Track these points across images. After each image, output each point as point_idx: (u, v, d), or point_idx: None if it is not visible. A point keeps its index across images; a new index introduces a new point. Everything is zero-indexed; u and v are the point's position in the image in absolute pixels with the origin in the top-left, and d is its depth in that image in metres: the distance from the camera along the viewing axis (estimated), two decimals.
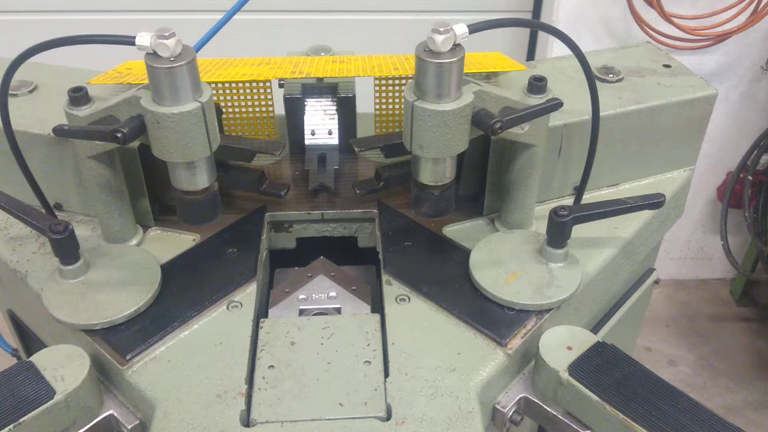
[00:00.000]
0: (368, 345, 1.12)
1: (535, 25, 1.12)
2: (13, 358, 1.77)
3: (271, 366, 1.09)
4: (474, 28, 1.02)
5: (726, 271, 3.72)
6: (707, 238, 3.60)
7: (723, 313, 3.61)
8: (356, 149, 1.36)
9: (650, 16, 2.68)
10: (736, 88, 3.02)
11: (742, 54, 2.94)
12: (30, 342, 1.62)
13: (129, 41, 1.01)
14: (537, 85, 1.16)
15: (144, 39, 1.00)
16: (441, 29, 1.00)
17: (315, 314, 1.27)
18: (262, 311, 1.28)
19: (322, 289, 1.33)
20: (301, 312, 1.29)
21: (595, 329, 1.46)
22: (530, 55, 2.91)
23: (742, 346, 3.44)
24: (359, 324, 1.16)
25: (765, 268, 3.28)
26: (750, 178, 3.09)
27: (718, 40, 2.80)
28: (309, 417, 1.01)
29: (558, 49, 2.72)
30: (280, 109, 1.50)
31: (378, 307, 1.26)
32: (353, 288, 1.33)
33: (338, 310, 1.28)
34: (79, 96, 1.12)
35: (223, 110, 1.47)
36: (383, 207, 1.41)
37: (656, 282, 1.64)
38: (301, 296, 1.31)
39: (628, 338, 1.72)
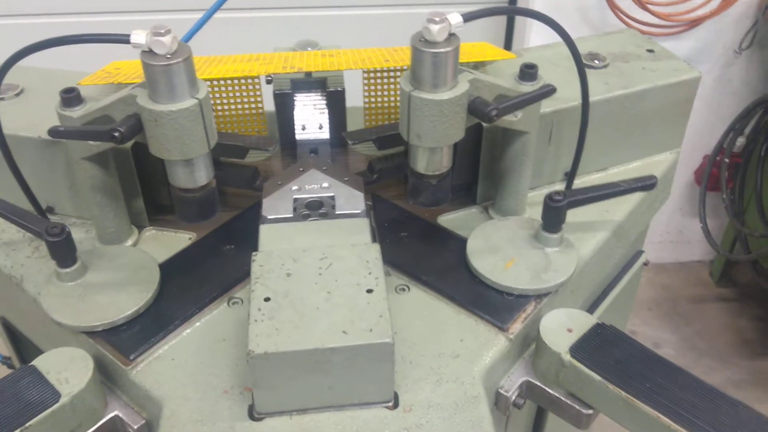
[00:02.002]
0: (369, 273, 1.07)
1: (528, 14, 1.14)
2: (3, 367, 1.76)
3: (267, 298, 1.03)
4: (468, 17, 1.04)
5: (705, 253, 3.79)
6: (685, 221, 3.67)
7: (703, 295, 3.68)
8: (349, 142, 1.36)
9: (625, 3, 2.72)
10: (710, 72, 3.07)
11: (715, 38, 2.99)
12: (24, 349, 1.60)
13: (124, 39, 1.01)
14: (528, 72, 1.17)
15: (139, 37, 1.00)
16: (436, 19, 1.01)
17: (309, 202, 1.27)
18: None
19: (314, 181, 1.31)
20: (295, 201, 1.27)
21: (589, 311, 1.48)
22: (507, 45, 2.94)
23: (723, 326, 3.51)
24: (359, 253, 1.11)
25: (743, 248, 3.35)
26: (726, 160, 3.15)
27: (692, 26, 2.85)
28: (311, 346, 0.96)
29: (535, 37, 2.75)
30: (269, 105, 1.50)
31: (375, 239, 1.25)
32: (345, 179, 1.32)
33: (332, 198, 1.28)
34: (71, 97, 1.11)
35: (213, 108, 1.47)
36: (377, 199, 1.42)
37: (645, 264, 1.67)
38: (294, 187, 1.30)
39: (619, 319, 1.74)
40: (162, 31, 0.98)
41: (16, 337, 1.56)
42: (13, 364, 1.72)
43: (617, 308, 1.62)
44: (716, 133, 3.21)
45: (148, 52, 1.00)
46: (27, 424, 1.01)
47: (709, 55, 3.04)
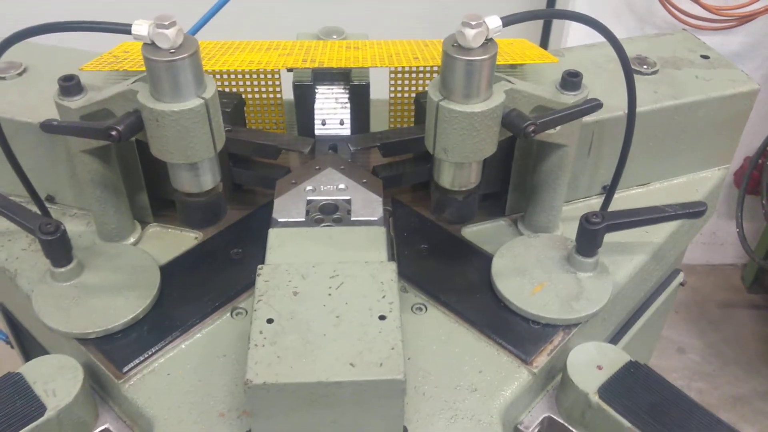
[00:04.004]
0: (383, 297, 0.97)
1: (571, 17, 1.02)
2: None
3: (271, 319, 0.94)
4: (508, 21, 0.92)
5: (737, 256, 3.65)
6: (720, 223, 3.53)
7: (734, 300, 3.54)
8: (351, 148, 1.26)
9: None
10: (758, 69, 2.91)
11: (766, 35, 2.83)
12: (22, 335, 1.54)
13: (125, 29, 0.91)
14: (572, 81, 1.06)
15: (141, 28, 0.90)
16: (472, 22, 0.90)
17: (323, 205, 1.18)
18: None
19: (330, 181, 1.22)
20: (309, 203, 1.18)
21: (618, 335, 1.39)
22: (544, 41, 2.79)
23: (753, 333, 3.38)
24: (372, 273, 1.01)
25: None
26: None
27: (743, 21, 2.69)
28: (315, 379, 0.87)
29: (573, 37, 2.60)
30: (287, 94, 1.40)
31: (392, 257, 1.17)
32: (364, 181, 1.22)
33: (348, 202, 1.18)
34: (70, 85, 1.02)
35: (244, 101, 1.37)
36: (397, 204, 1.32)
37: (682, 284, 1.56)
38: (308, 187, 1.21)
39: (650, 341, 1.64)
40: (166, 23, 0.88)
41: (14, 325, 1.50)
42: (11, 342, 1.66)
43: (648, 330, 1.51)
44: (760, 135, 3.05)
45: (151, 45, 0.90)
46: None
47: (758, 52, 2.88)
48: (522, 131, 0.97)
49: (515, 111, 0.99)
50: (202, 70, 0.95)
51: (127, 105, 0.99)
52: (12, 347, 1.71)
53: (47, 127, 0.98)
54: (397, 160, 1.31)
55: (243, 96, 1.37)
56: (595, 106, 1.01)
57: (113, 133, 0.93)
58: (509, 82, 1.00)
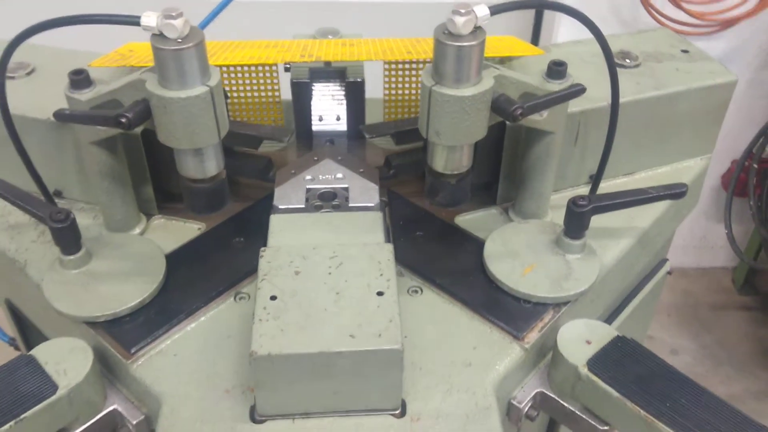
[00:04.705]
0: (381, 275, 1.02)
1: (559, 8, 1.08)
2: (10, 348, 1.74)
3: (274, 296, 0.99)
4: (495, 10, 0.98)
5: (728, 259, 3.70)
6: (710, 226, 3.58)
7: (725, 302, 3.59)
8: (366, 136, 1.31)
9: (658, 0, 2.64)
10: (742, 74, 2.98)
11: (750, 40, 2.91)
12: (29, 332, 1.58)
13: (134, 21, 0.97)
14: (557, 69, 1.11)
15: (150, 19, 0.95)
16: (462, 11, 0.96)
17: (322, 193, 1.23)
18: None
19: (329, 171, 1.28)
20: (308, 191, 1.24)
21: (608, 321, 1.43)
22: (534, 39, 2.87)
23: (744, 335, 3.43)
24: (370, 253, 1.06)
25: None
26: (755, 166, 3.06)
27: (727, 26, 2.76)
28: (317, 349, 0.91)
29: (564, 32, 2.68)
30: (285, 94, 1.45)
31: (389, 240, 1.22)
32: (361, 170, 1.28)
33: (346, 190, 1.24)
34: (80, 79, 1.07)
35: (228, 95, 1.42)
36: (393, 195, 1.37)
37: (669, 273, 1.61)
38: (307, 177, 1.26)
39: (640, 329, 1.69)
40: (173, 14, 0.94)
41: (20, 320, 1.54)
42: (19, 345, 1.70)
43: (638, 318, 1.56)
44: (746, 137, 3.12)
45: (159, 36, 0.96)
46: (22, 416, 0.97)
47: (742, 57, 2.95)
48: (510, 114, 1.02)
49: (504, 96, 1.05)
50: (207, 60, 1.01)
51: (135, 94, 1.04)
52: (16, 349, 1.74)
53: (60, 116, 1.03)
54: (410, 148, 1.36)
55: (243, 94, 1.43)
56: (579, 90, 1.06)
57: (123, 120, 0.98)
58: (497, 68, 1.06)
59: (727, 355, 3.32)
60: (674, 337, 3.40)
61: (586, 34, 1.18)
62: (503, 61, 1.36)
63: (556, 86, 1.11)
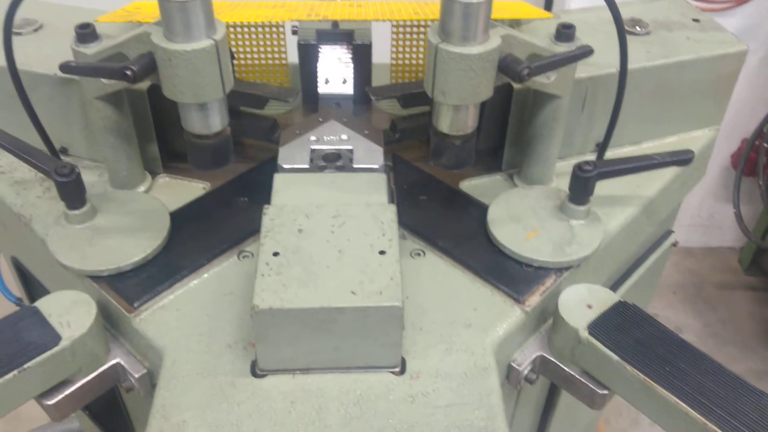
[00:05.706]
0: (383, 235, 1.03)
1: None
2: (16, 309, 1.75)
3: (276, 253, 1.00)
4: None
5: (735, 239, 3.69)
6: (718, 205, 3.57)
7: (731, 282, 3.59)
8: (373, 98, 1.31)
9: None
10: (755, 53, 2.95)
11: (764, 17, 2.87)
12: (34, 291, 1.59)
13: None
14: (565, 32, 1.10)
15: None
16: None
17: (326, 154, 1.24)
18: None
19: (333, 132, 1.28)
20: (312, 152, 1.24)
21: (612, 290, 1.43)
22: (548, 6, 2.83)
23: (749, 314, 3.43)
24: (373, 213, 1.06)
25: None
26: (765, 145, 3.04)
27: (740, 2, 2.73)
28: (318, 304, 0.92)
29: (577, 0, 2.65)
30: (293, 57, 1.45)
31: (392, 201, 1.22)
32: (366, 132, 1.28)
33: (351, 152, 1.24)
34: (86, 33, 1.07)
35: (234, 56, 1.42)
36: (398, 160, 1.37)
37: (674, 244, 1.61)
38: (312, 137, 1.27)
39: (642, 301, 1.68)
40: None
41: (26, 278, 1.55)
42: (25, 305, 1.71)
43: (641, 289, 1.56)
44: (757, 117, 3.09)
45: None
46: (25, 366, 0.98)
47: (755, 35, 2.92)
48: (517, 74, 1.01)
49: (511, 56, 1.04)
50: (212, 13, 1.00)
51: (140, 48, 1.04)
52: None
53: (66, 67, 1.03)
54: (416, 113, 1.35)
55: (249, 55, 1.42)
56: (586, 52, 1.05)
57: (128, 72, 0.98)
58: (504, 28, 1.05)
59: (731, 335, 3.32)
60: (679, 315, 3.40)
61: (598, 2, 1.17)
62: (513, 25, 1.35)
63: (563, 49, 1.10)
